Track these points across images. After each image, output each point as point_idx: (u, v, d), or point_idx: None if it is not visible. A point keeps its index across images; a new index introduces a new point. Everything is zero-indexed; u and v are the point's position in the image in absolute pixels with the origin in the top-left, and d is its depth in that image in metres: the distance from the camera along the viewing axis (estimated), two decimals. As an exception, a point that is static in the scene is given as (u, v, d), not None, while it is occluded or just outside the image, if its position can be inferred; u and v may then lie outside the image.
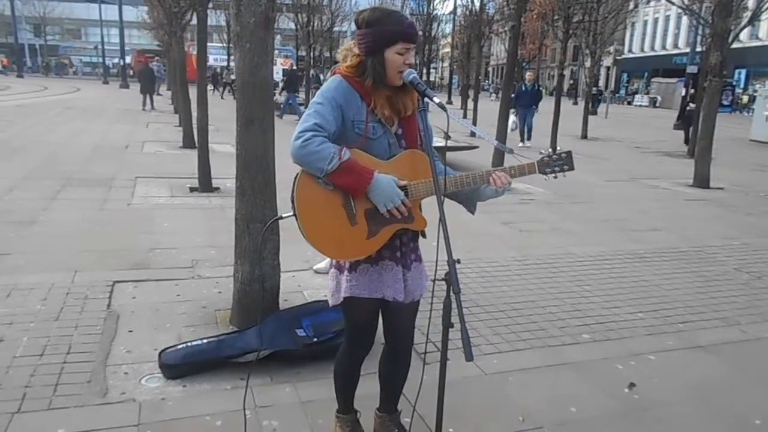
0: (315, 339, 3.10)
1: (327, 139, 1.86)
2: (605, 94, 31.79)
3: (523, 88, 14.59)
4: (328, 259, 2.61)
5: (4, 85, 29.75)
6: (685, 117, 15.86)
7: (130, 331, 3.36)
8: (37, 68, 52.69)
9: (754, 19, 9.60)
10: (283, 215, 2.01)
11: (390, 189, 1.89)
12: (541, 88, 17.11)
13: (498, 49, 49.07)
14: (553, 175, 2.06)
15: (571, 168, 2.08)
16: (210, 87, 25.64)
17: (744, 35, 26.92)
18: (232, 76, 20.46)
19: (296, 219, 1.92)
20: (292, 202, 1.92)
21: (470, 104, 18.51)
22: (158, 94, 21.63)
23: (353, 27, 2.03)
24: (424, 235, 2.13)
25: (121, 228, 5.46)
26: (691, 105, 15.44)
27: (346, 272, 2.05)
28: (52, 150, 9.83)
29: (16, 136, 11.29)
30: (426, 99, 2.02)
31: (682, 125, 16.42)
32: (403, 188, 1.94)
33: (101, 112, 17.52)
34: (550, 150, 2.08)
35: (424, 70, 30.62)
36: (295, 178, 1.92)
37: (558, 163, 2.06)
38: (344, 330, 2.29)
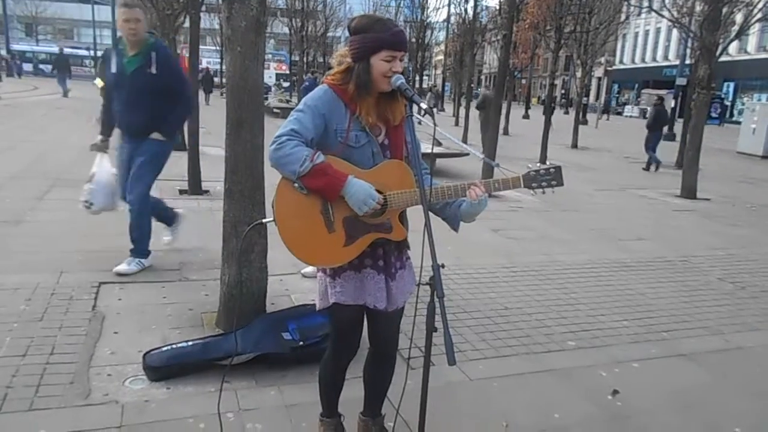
0: (301, 342, 3.09)
1: (303, 144, 1.87)
2: (595, 104, 32.09)
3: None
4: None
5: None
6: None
7: (115, 333, 3.34)
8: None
9: (742, 33, 9.74)
10: (264, 220, 2.04)
11: (364, 191, 1.88)
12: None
13: (490, 58, 49.33)
14: (541, 190, 2.03)
15: (560, 183, 2.03)
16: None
17: (732, 49, 27.32)
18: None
19: (275, 224, 1.94)
20: (273, 207, 1.94)
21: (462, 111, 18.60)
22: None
23: (347, 33, 2.05)
24: (407, 246, 2.14)
25: (109, 229, 5.42)
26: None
27: (330, 278, 2.06)
28: (40, 150, 9.75)
29: (4, 136, 11.18)
30: (415, 106, 2.02)
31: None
32: (383, 198, 1.94)
33: (92, 113, 17.38)
34: (539, 164, 2.08)
35: (417, 77, 30.74)
36: (278, 184, 1.94)
37: (546, 178, 2.02)
38: (329, 334, 2.30)
